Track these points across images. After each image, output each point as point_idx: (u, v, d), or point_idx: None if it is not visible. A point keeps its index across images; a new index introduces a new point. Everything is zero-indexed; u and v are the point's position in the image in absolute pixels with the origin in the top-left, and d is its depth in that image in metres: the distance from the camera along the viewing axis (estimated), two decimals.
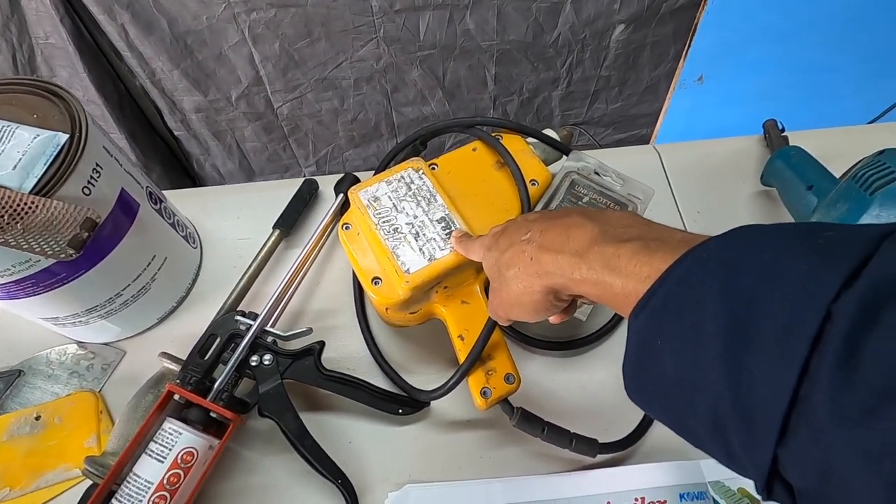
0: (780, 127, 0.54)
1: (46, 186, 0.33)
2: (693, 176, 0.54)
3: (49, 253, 0.31)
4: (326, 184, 0.55)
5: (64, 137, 0.35)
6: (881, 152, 0.35)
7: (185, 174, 1.23)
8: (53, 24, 0.84)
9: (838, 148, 0.50)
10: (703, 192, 0.53)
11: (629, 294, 0.22)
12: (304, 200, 0.52)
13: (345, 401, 0.42)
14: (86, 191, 0.35)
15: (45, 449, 0.40)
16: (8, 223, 0.31)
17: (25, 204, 0.32)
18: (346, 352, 0.46)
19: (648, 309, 0.21)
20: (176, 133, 1.11)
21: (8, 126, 0.35)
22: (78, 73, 0.90)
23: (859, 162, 0.38)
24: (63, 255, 0.31)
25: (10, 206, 0.32)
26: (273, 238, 0.49)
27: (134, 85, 1.01)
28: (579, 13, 1.02)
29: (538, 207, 0.44)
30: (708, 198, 0.53)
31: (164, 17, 0.92)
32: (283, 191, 0.53)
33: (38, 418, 0.41)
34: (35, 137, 0.34)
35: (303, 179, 0.53)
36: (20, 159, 0.33)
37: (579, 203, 0.44)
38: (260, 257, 0.48)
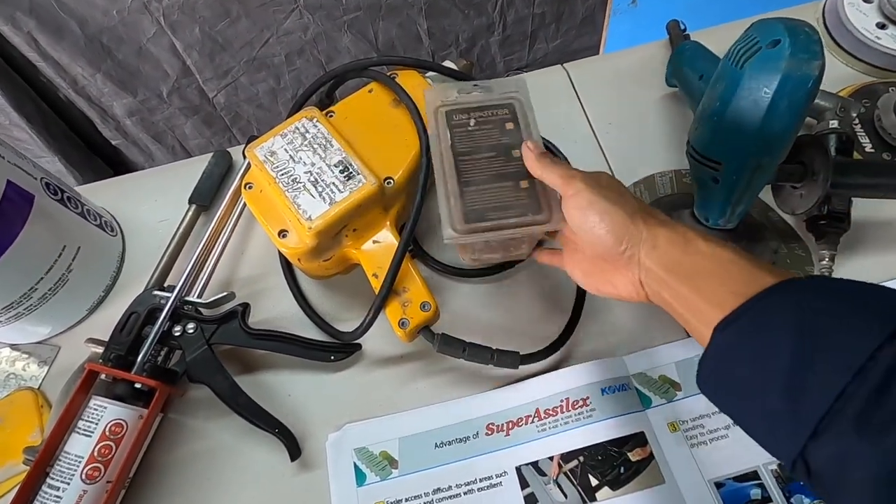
0: (682, 27, 0.54)
1: None
2: (602, 89, 0.54)
3: None
4: (240, 153, 0.54)
5: None
6: (750, 26, 0.35)
7: None
8: None
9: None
10: (613, 103, 0.53)
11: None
12: (217, 172, 0.51)
13: (280, 358, 0.43)
14: None
15: None
16: None
17: None
18: (277, 312, 0.46)
19: (735, 326, 0.25)
20: (114, 143, 1.08)
21: None
22: None
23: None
24: None
25: None
26: (190, 213, 0.49)
27: (58, 99, 0.98)
28: None
29: (434, 155, 0.38)
30: (618, 108, 0.53)
31: (72, 17, 0.88)
32: (199, 167, 0.52)
33: None
34: None
35: (212, 152, 0.53)
36: None
37: (469, 128, 0.39)
38: (178, 234, 0.48)
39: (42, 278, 0.41)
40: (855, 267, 0.44)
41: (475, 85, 0.41)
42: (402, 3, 1.05)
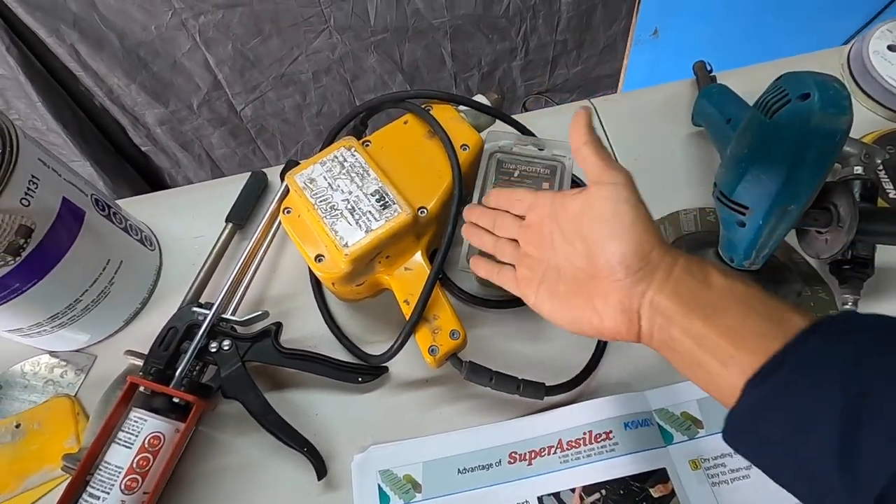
0: (709, 68, 0.55)
1: None
2: (628, 125, 0.56)
3: None
4: (277, 174, 0.56)
5: None
6: (780, 77, 0.36)
7: None
8: (1, 55, 0.84)
9: (765, 82, 0.51)
10: (639, 139, 0.55)
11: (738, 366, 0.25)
12: (254, 192, 0.53)
13: (309, 377, 0.44)
14: (24, 202, 0.36)
15: (27, 454, 0.42)
16: None
17: None
18: (306, 331, 0.48)
19: (774, 381, 0.23)
20: (143, 149, 1.11)
21: None
22: (33, 104, 0.90)
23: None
24: (1, 263, 0.33)
25: None
26: (226, 232, 0.51)
27: (93, 106, 1.01)
28: None
29: (476, 189, 0.45)
30: (644, 144, 0.54)
31: (113, 31, 0.92)
32: (235, 186, 0.54)
33: (18, 426, 0.43)
34: None
35: (249, 172, 0.55)
36: None
37: (511, 178, 0.45)
38: (215, 252, 0.49)
39: (87, 290, 0.43)
40: (879, 312, 0.45)
41: (534, 141, 0.45)
42: (429, 26, 1.07)
